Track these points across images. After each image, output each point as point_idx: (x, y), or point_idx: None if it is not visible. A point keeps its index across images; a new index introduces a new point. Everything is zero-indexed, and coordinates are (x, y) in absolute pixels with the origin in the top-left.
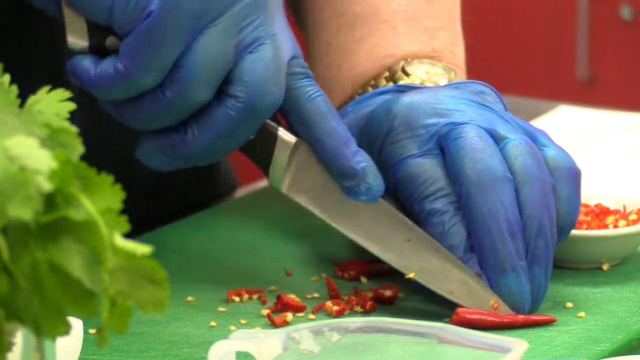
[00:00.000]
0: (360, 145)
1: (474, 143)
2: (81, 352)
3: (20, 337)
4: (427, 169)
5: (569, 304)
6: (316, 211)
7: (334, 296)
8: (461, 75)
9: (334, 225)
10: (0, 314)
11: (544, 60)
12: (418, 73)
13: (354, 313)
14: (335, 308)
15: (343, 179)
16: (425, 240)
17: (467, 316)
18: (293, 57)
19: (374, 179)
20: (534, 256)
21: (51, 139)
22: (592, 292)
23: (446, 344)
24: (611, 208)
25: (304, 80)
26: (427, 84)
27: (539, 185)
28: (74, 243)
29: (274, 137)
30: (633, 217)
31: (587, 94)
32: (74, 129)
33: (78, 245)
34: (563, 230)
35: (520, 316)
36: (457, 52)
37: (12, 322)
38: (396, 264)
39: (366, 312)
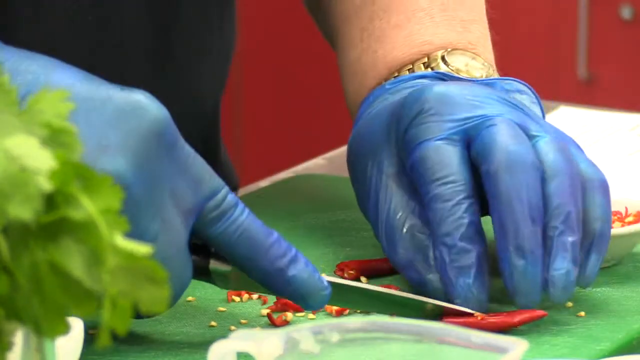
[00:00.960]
0: (389, 124)
1: (507, 131)
2: (81, 352)
3: (20, 337)
4: (442, 153)
5: (569, 304)
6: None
7: None
8: (497, 73)
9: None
10: (0, 314)
11: (543, 60)
12: (457, 64)
13: (354, 313)
14: (335, 308)
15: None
16: (413, 302)
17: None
18: (202, 206)
19: (314, 300)
20: (561, 244)
21: (51, 139)
22: (592, 291)
23: (446, 344)
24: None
25: (217, 225)
26: (463, 75)
27: (568, 180)
28: (74, 243)
29: (207, 272)
30: (630, 219)
31: (587, 94)
32: (74, 129)
33: (78, 245)
34: (602, 236)
35: (516, 319)
36: (488, 47)
37: (12, 322)
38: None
39: (366, 313)
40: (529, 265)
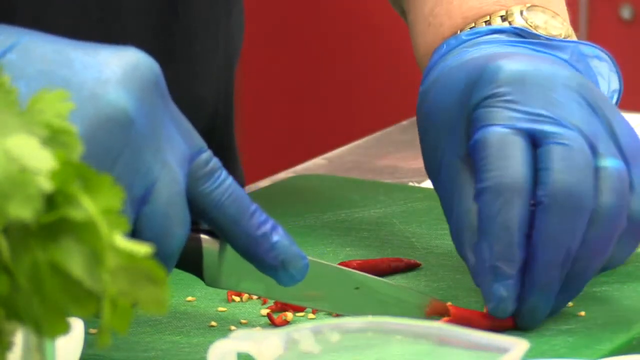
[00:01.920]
0: (463, 99)
1: (576, 159)
2: (82, 352)
3: (20, 337)
4: (506, 142)
5: (569, 303)
6: (260, 293)
7: None
8: (575, 34)
9: (280, 299)
10: (1, 314)
11: None
12: (536, 20)
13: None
14: None
15: (264, 272)
16: (372, 281)
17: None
18: (192, 159)
19: (295, 268)
20: (575, 290)
21: (51, 139)
22: (592, 291)
23: (446, 344)
24: None
25: (207, 183)
26: (541, 32)
27: (612, 228)
28: (75, 243)
29: (198, 246)
30: None
31: None
32: (74, 128)
33: (78, 245)
34: (604, 269)
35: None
36: (564, 9)
37: (12, 322)
38: (352, 312)
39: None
40: (540, 301)
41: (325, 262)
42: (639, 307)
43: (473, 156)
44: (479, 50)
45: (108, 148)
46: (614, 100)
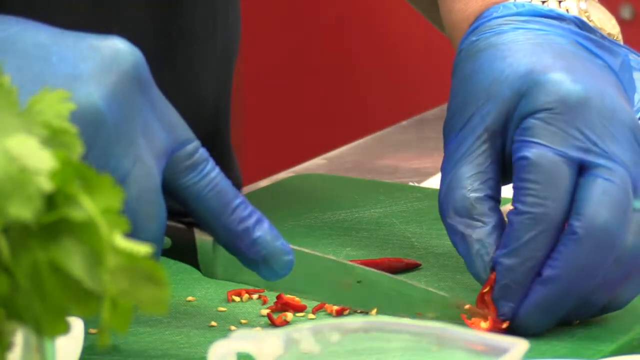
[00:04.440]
0: (518, 83)
1: (619, 197)
2: (82, 352)
3: (20, 337)
4: (556, 171)
5: None
6: (259, 285)
7: None
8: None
9: (280, 292)
10: (1, 314)
11: None
12: (592, 15)
13: (354, 313)
14: (335, 308)
15: (247, 266)
16: (375, 275)
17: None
18: (174, 151)
19: (277, 264)
20: (572, 316)
21: (51, 139)
22: None
23: (446, 344)
24: None
25: (189, 176)
26: (595, 26)
27: (628, 270)
28: (75, 243)
29: (192, 239)
30: None
31: None
32: (74, 129)
33: (78, 245)
34: (606, 310)
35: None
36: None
37: (12, 322)
38: (355, 306)
39: (366, 312)
40: (543, 321)
41: (326, 256)
42: (639, 308)
43: (517, 170)
44: (545, 36)
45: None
46: None
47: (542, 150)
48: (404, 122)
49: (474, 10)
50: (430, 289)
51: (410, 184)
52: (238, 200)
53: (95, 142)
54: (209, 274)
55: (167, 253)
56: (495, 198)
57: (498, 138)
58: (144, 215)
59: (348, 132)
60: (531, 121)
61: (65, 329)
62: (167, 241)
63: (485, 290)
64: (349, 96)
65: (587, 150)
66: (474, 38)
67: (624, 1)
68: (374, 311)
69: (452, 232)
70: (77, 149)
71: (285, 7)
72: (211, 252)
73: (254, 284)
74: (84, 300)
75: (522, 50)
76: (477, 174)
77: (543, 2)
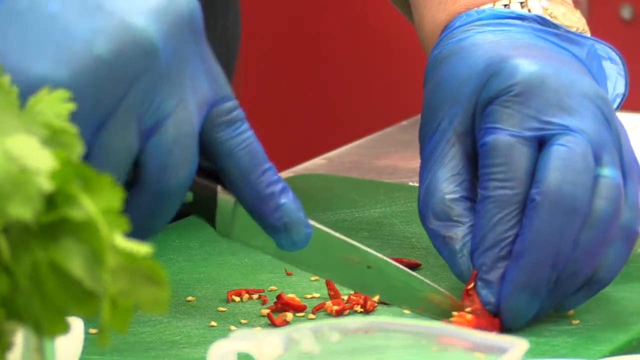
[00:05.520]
0: (478, 82)
1: (575, 161)
2: (82, 352)
3: (20, 337)
4: (514, 153)
5: (571, 312)
6: (270, 253)
7: (333, 296)
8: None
9: (289, 264)
10: (1, 314)
11: None
12: (555, 11)
13: (354, 313)
14: (335, 308)
15: (267, 231)
16: (385, 264)
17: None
18: (214, 105)
19: (297, 233)
20: (564, 294)
21: (51, 139)
22: None
23: (446, 344)
24: None
25: (225, 131)
26: (559, 22)
27: (604, 234)
28: (75, 243)
29: (213, 195)
30: None
31: None
32: (74, 129)
33: (78, 245)
34: (599, 283)
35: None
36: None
37: (12, 322)
38: (360, 289)
39: (366, 312)
40: (527, 304)
41: (341, 236)
42: (639, 308)
43: (481, 157)
44: (505, 34)
45: (126, 72)
46: (617, 104)
47: (499, 134)
48: (404, 122)
49: (442, 20)
50: (438, 287)
51: (410, 184)
52: (268, 165)
53: (144, 75)
54: (224, 233)
55: (187, 207)
56: (471, 198)
57: (467, 137)
58: (177, 159)
59: (348, 132)
60: (491, 107)
61: (65, 329)
62: (189, 195)
63: (469, 287)
64: (349, 96)
65: (542, 127)
66: (436, 51)
67: (624, 1)
68: (377, 297)
69: (434, 236)
70: (77, 149)
71: (285, 7)
72: (231, 212)
73: (265, 251)
74: (84, 300)
75: (481, 49)
76: (452, 176)
77: (505, 6)
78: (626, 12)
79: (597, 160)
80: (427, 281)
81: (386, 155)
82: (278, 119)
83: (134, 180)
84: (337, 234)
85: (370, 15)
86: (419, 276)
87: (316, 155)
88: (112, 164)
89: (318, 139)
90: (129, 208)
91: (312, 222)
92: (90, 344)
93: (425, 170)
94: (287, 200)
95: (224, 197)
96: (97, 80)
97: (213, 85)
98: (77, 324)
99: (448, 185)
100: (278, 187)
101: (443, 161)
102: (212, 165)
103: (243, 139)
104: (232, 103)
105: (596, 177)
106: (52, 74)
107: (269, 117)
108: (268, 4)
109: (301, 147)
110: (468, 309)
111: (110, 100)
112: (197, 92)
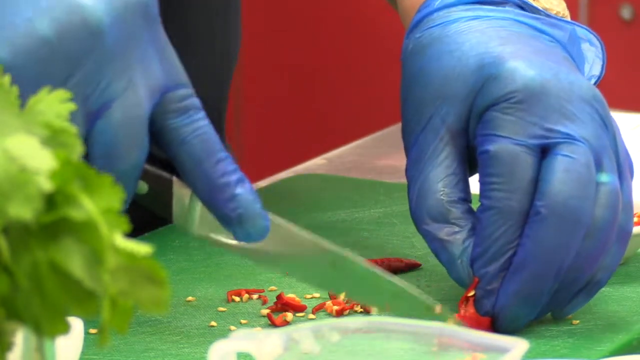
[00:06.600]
0: (472, 80)
1: (580, 172)
2: (82, 352)
3: (20, 337)
4: (518, 163)
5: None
6: (232, 248)
7: (334, 296)
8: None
9: (250, 259)
10: (1, 314)
11: None
12: None
13: (354, 313)
14: (335, 308)
15: (221, 222)
16: (351, 261)
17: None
18: (167, 91)
19: (253, 226)
20: (562, 300)
21: (51, 139)
22: None
23: (446, 344)
24: None
25: (178, 118)
26: (539, 6)
27: (605, 239)
28: (75, 243)
29: (169, 187)
30: (635, 219)
31: None
32: (74, 129)
33: (78, 245)
34: (597, 284)
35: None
36: None
37: (12, 322)
38: (325, 288)
39: (366, 312)
40: (524, 313)
41: (305, 233)
42: (639, 308)
43: (481, 164)
44: (488, 21)
45: (72, 52)
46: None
47: (502, 142)
48: None
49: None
50: (405, 286)
51: None
52: (224, 155)
53: (91, 55)
54: (182, 227)
55: (142, 199)
56: (467, 200)
57: (461, 136)
58: (124, 143)
59: (348, 132)
60: (491, 114)
61: (65, 329)
62: (144, 186)
63: (470, 295)
64: (349, 96)
65: (546, 135)
66: (418, 34)
67: (624, 1)
68: (343, 295)
69: (430, 239)
70: (77, 149)
71: (285, 7)
72: (187, 205)
73: (225, 246)
74: (84, 300)
75: (468, 41)
76: (448, 176)
77: None
78: (626, 12)
79: (597, 166)
80: (398, 280)
81: (386, 155)
82: (278, 119)
83: None
84: (300, 231)
85: (370, 15)
86: (388, 275)
87: (316, 155)
88: None
89: (318, 139)
90: None
91: (272, 217)
92: (90, 344)
93: (416, 170)
94: (243, 190)
95: (180, 189)
96: (39, 61)
97: (167, 71)
98: (77, 324)
99: (445, 186)
100: (233, 177)
101: (436, 160)
102: (165, 154)
103: (195, 127)
104: (186, 90)
105: (597, 185)
106: None
107: (269, 117)
108: (268, 4)
109: (301, 147)
110: (460, 313)
111: (53, 81)
112: (148, 76)
